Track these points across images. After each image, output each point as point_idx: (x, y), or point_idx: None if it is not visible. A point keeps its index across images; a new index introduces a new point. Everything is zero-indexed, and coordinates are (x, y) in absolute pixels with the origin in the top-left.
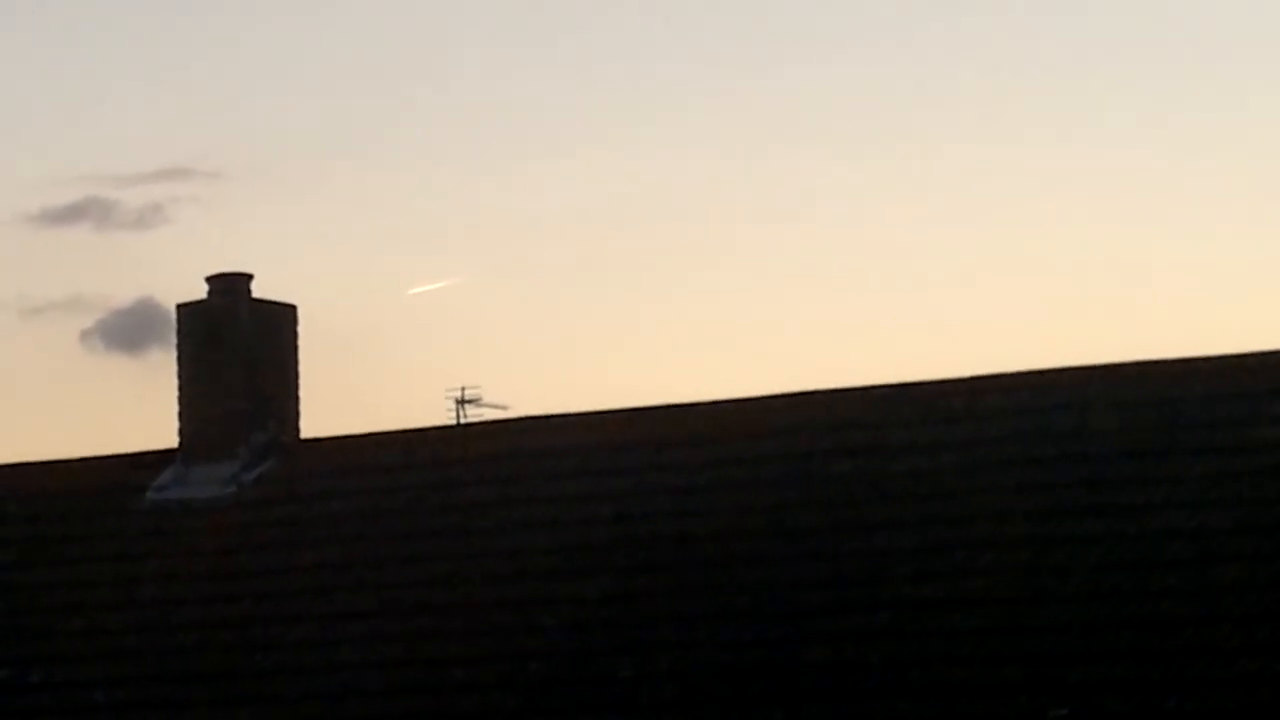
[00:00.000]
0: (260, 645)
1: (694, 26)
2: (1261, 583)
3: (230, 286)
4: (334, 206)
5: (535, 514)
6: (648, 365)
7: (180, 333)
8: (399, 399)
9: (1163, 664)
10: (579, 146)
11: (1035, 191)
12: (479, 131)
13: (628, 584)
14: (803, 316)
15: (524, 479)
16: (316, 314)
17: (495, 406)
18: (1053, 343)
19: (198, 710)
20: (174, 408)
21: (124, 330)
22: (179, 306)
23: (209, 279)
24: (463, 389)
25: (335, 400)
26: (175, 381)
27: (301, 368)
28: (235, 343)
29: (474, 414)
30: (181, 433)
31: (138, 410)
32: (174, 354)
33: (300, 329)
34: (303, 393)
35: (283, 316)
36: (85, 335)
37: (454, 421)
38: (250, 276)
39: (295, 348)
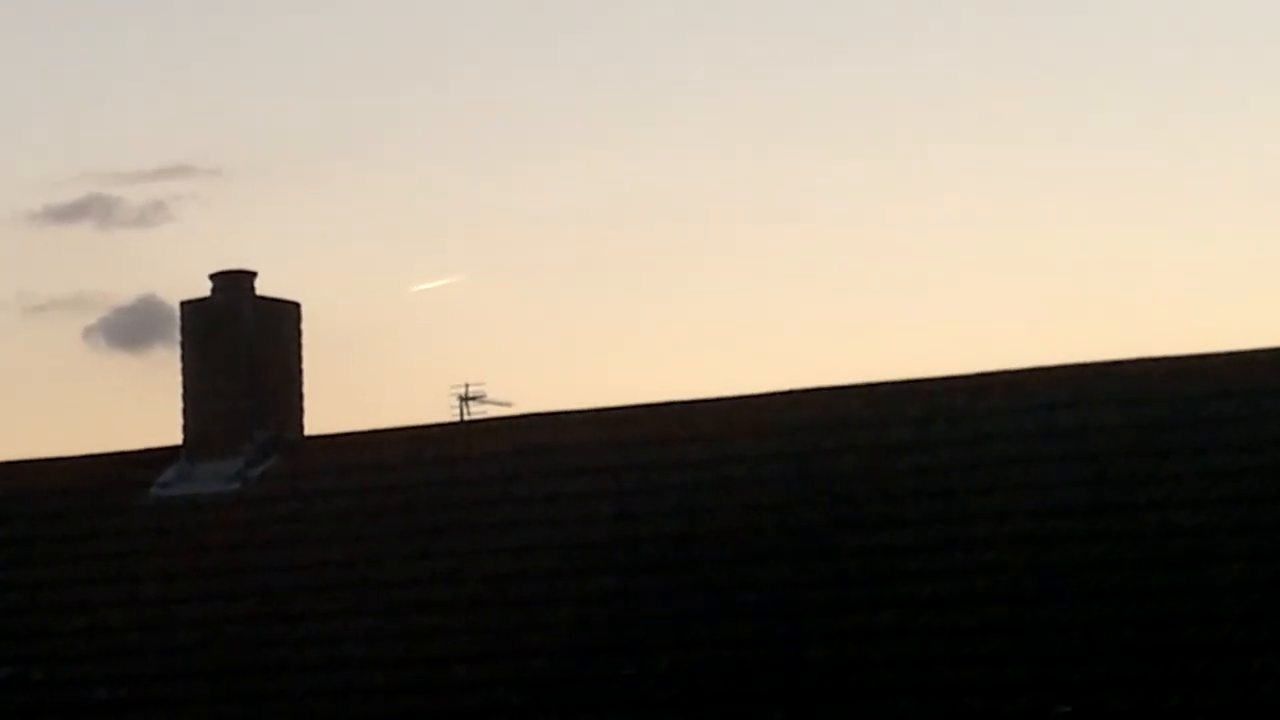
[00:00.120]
0: (263, 642)
1: (693, 26)
2: (1262, 581)
3: (233, 284)
4: (336, 204)
5: (538, 511)
6: (650, 363)
7: (183, 330)
8: (402, 396)
9: (1164, 662)
10: (579, 146)
11: (1035, 191)
12: (479, 131)
13: (630, 582)
14: (803, 316)
15: (527, 476)
16: (319, 311)
17: (498, 403)
18: (1053, 342)
19: (200, 708)
20: (177, 405)
21: (126, 328)
22: (182, 304)
23: (212, 276)
24: (466, 386)
25: (338, 397)
26: (178, 379)
27: (305, 364)
28: (238, 340)
29: (477, 411)
30: (185, 430)
31: (140, 408)
32: (177, 351)
33: (303, 326)
34: (306, 389)
35: (286, 313)
36: (88, 333)
37: (457, 418)
38: (253, 274)
39: (298, 345)
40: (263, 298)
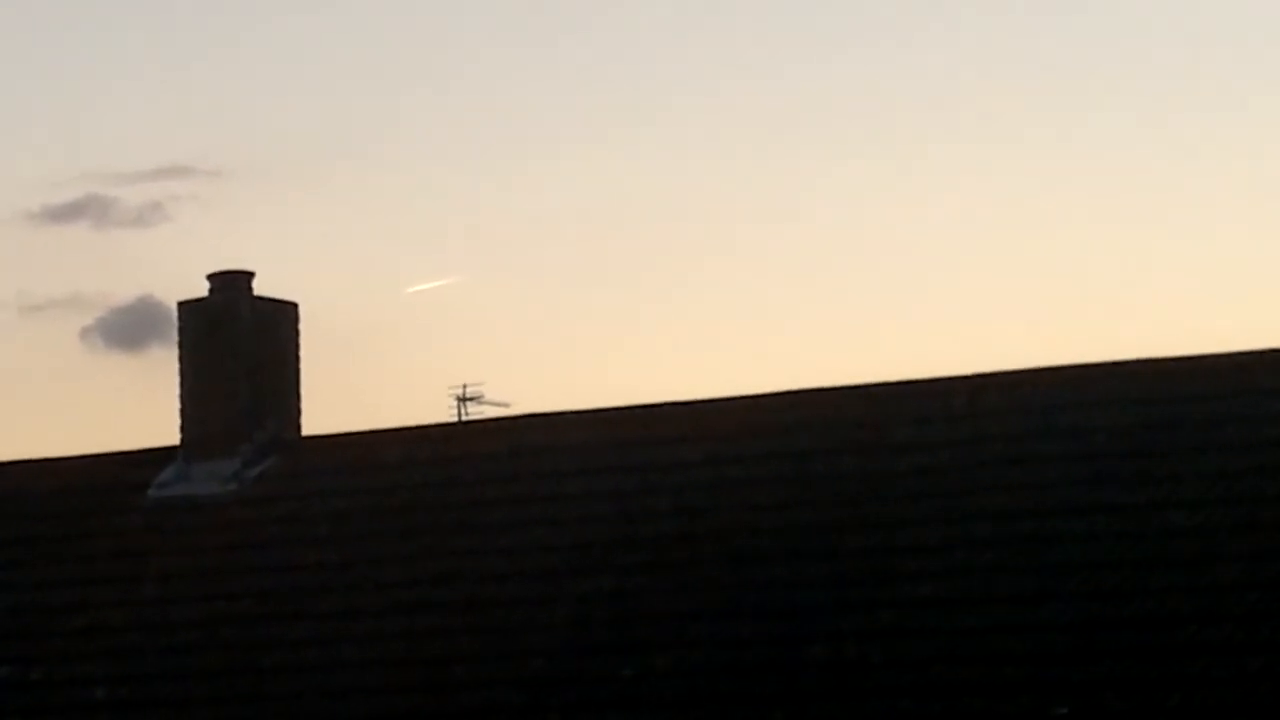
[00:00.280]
0: (262, 643)
1: (693, 27)
2: (1262, 581)
3: (231, 284)
4: (335, 205)
5: (537, 511)
6: (650, 363)
7: (181, 330)
8: (400, 396)
9: (1164, 662)
10: (579, 146)
11: (1035, 191)
12: (478, 131)
13: (629, 582)
14: (803, 316)
15: (525, 476)
16: (318, 311)
17: (497, 404)
18: (1053, 342)
19: (199, 708)
20: (175, 405)
21: (124, 328)
22: (180, 304)
23: (210, 276)
24: (464, 386)
25: (337, 397)
26: (176, 379)
27: (303, 365)
28: (236, 340)
29: (475, 411)
30: (183, 430)
31: (138, 408)
32: (174, 351)
33: (301, 326)
34: (304, 390)
35: (284, 314)
36: (85, 333)
37: (455, 419)
38: (251, 274)
39: (296, 345)
40: (261, 298)
